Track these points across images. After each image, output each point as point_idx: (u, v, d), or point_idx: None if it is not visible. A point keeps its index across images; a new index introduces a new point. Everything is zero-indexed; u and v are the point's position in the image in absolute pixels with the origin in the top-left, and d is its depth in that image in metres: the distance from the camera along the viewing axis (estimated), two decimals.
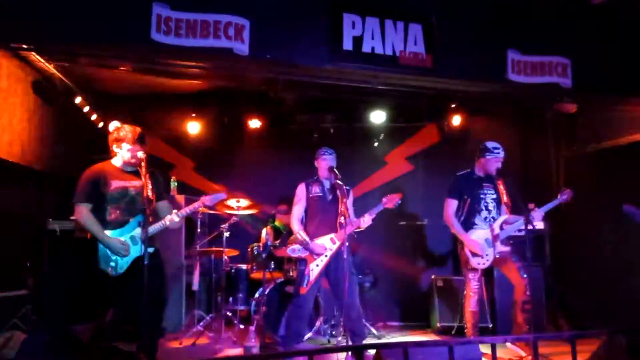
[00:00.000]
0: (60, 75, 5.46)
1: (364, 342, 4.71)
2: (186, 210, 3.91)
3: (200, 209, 5.26)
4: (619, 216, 4.73)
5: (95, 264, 3.54)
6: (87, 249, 3.75)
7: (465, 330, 4.77)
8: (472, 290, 4.71)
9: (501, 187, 4.79)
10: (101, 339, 2.17)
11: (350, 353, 4.41)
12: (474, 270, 4.71)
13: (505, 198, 4.72)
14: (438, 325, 5.84)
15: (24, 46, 4.26)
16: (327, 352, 4.58)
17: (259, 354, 4.12)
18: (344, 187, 4.63)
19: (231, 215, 5.73)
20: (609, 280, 5.70)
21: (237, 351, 4.91)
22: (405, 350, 2.97)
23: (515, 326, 4.65)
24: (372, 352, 3.61)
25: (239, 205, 5.64)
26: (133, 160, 3.83)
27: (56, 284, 2.15)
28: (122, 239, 3.72)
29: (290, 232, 5.39)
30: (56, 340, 2.02)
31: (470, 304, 4.71)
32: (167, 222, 3.81)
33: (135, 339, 3.50)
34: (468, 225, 4.76)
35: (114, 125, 3.98)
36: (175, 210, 3.88)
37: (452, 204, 4.84)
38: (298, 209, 4.81)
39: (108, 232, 3.70)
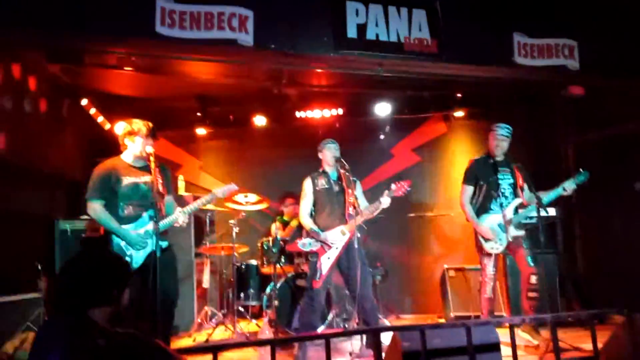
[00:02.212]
0: (66, 78, 5.48)
1: None
2: (201, 201, 3.97)
3: (211, 203, 5.33)
4: (629, 199, 4.77)
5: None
6: (100, 246, 3.78)
7: (481, 317, 4.74)
8: (488, 276, 4.65)
9: (517, 171, 4.74)
10: (119, 323, 2.14)
11: (365, 341, 4.40)
12: (489, 256, 4.65)
13: (520, 181, 4.68)
14: (452, 315, 5.81)
15: (29, 46, 4.31)
16: (343, 335, 4.54)
17: (279, 338, 4.09)
18: (351, 177, 4.60)
19: (239, 211, 5.72)
20: (622, 265, 5.66)
21: None
22: (422, 332, 2.95)
23: (523, 313, 4.63)
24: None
25: (247, 201, 5.63)
26: (144, 154, 3.84)
27: (72, 267, 2.13)
28: (137, 231, 3.74)
29: (300, 227, 5.37)
30: (74, 324, 2.00)
31: (486, 290, 4.65)
32: (181, 220, 3.83)
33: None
34: (483, 210, 4.71)
35: (121, 125, 4.01)
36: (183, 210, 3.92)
37: (466, 190, 4.80)
38: (306, 203, 4.76)
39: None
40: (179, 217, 3.86)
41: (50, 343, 1.94)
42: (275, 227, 6.11)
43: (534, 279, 4.52)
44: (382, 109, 6.68)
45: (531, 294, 4.54)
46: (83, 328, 1.99)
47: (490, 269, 4.65)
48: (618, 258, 5.70)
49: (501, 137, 4.71)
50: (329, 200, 4.69)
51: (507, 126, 4.74)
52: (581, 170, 4.56)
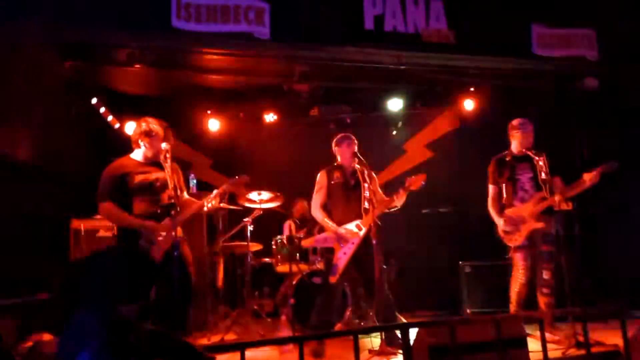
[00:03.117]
0: (76, 76, 5.42)
1: None
2: (216, 194, 3.95)
3: (222, 203, 5.30)
4: None
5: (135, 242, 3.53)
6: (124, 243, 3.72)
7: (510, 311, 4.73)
8: (519, 271, 4.67)
9: (540, 164, 4.70)
10: (147, 319, 2.09)
11: (384, 339, 4.33)
12: (518, 250, 4.68)
13: (543, 175, 4.65)
14: (467, 311, 5.74)
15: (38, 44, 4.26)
16: (373, 331, 4.49)
17: (307, 335, 4.02)
18: (366, 172, 4.54)
19: (253, 209, 5.65)
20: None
21: None
22: (452, 327, 2.89)
23: (539, 310, 4.62)
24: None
25: (261, 199, 5.56)
26: (159, 153, 3.79)
27: (97, 264, 2.08)
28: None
29: (313, 223, 5.31)
30: (104, 321, 1.94)
31: (517, 285, 4.68)
32: (207, 204, 3.85)
33: None
34: (508, 206, 4.78)
35: (131, 125, 3.96)
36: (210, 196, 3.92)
37: (491, 190, 4.92)
38: (319, 197, 4.71)
39: None
40: (199, 207, 3.83)
41: (80, 341, 1.89)
42: (288, 225, 6.05)
43: (546, 275, 4.56)
44: (394, 104, 6.62)
45: (545, 290, 4.58)
46: (113, 325, 1.94)
47: (521, 262, 4.66)
48: (637, 251, 5.63)
49: (514, 132, 4.77)
50: (345, 194, 4.64)
51: (522, 120, 4.77)
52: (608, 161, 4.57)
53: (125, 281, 2.05)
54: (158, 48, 4.23)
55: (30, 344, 4.37)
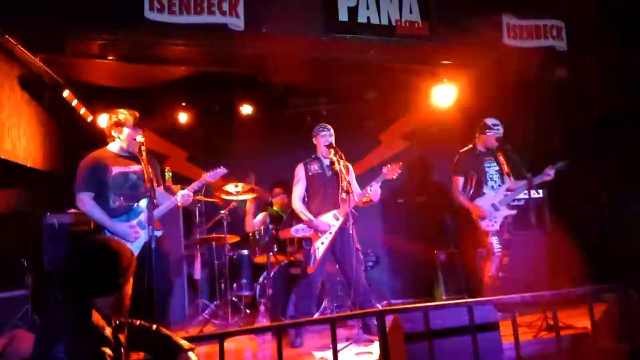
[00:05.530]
0: (47, 69, 5.31)
1: None
2: (193, 186, 3.95)
3: (200, 194, 5.30)
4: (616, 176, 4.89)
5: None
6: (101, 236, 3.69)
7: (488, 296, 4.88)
8: (495, 255, 4.86)
9: (501, 159, 5.02)
10: (122, 312, 2.10)
11: (361, 326, 4.41)
12: (493, 234, 4.87)
13: (506, 169, 4.96)
14: (443, 298, 5.86)
15: (7, 36, 4.16)
16: (350, 318, 4.56)
17: (284, 323, 4.05)
18: (342, 162, 4.59)
19: (230, 201, 5.65)
20: (609, 244, 5.77)
21: None
22: (426, 313, 2.96)
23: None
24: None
25: (238, 191, 5.56)
26: (132, 145, 3.77)
27: (77, 257, 2.08)
28: (130, 223, 3.67)
29: (291, 214, 5.34)
30: (80, 313, 1.95)
31: (490, 268, 4.86)
32: (179, 199, 3.81)
33: None
34: (477, 195, 4.98)
35: (106, 117, 3.92)
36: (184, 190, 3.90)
37: (458, 181, 5.07)
38: (299, 189, 4.76)
39: (115, 220, 3.65)
40: (179, 199, 3.81)
41: (56, 333, 1.89)
42: (263, 217, 6.06)
43: (505, 261, 4.88)
44: (369, 95, 6.66)
45: (501, 274, 4.88)
46: (89, 317, 1.95)
47: (496, 246, 4.86)
48: (606, 236, 5.80)
49: (501, 134, 4.96)
50: (322, 185, 4.70)
51: (496, 122, 4.99)
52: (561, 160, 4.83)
53: (103, 274, 2.05)
54: (131, 40, 4.17)
55: (5, 339, 4.32)
